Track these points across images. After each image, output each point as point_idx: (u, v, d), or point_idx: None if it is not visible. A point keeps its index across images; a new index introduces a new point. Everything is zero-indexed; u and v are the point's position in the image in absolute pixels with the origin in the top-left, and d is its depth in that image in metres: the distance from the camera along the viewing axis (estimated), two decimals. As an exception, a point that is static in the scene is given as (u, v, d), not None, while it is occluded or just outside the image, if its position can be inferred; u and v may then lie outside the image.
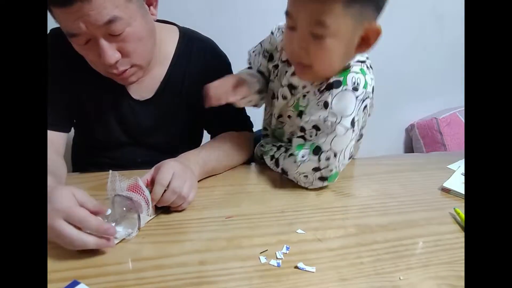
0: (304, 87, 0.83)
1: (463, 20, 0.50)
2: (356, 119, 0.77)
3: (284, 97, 0.87)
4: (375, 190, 0.88)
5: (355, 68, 0.78)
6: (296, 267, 0.63)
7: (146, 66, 0.83)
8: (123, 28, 0.72)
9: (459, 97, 1.23)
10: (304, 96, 0.84)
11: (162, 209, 0.74)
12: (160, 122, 0.94)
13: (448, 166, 1.01)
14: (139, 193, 0.67)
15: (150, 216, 0.71)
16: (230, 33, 1.45)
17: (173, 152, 0.81)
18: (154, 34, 0.83)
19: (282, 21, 0.85)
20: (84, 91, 0.89)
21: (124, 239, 0.66)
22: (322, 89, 0.79)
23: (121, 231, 0.65)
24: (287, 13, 0.71)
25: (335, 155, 0.79)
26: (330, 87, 0.77)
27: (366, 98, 0.78)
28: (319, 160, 0.80)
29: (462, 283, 0.63)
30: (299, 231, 0.72)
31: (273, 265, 0.63)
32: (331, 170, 0.81)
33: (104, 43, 0.72)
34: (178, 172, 0.71)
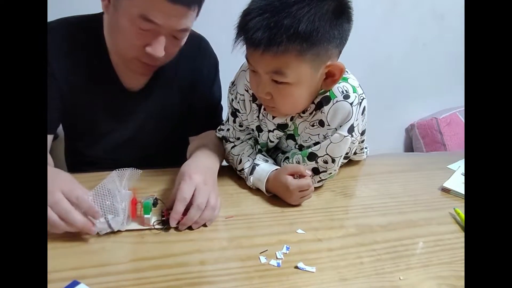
0: (292, 119, 0.81)
1: (463, 19, 0.50)
2: (355, 124, 0.76)
3: (278, 138, 0.86)
4: (375, 190, 0.88)
5: None
6: (296, 267, 0.63)
7: None
8: (184, 37, 0.80)
9: (459, 97, 1.23)
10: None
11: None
12: (151, 115, 0.94)
13: (448, 166, 1.01)
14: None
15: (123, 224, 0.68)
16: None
17: (164, 149, 0.80)
18: None
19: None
20: (71, 82, 0.87)
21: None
22: (310, 111, 0.79)
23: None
24: (247, 59, 0.72)
25: (333, 161, 0.79)
26: (319, 106, 0.76)
27: (362, 100, 0.77)
28: (316, 163, 0.80)
29: (462, 283, 0.62)
30: (299, 231, 0.72)
31: (273, 265, 0.63)
32: (329, 174, 0.82)
33: (163, 39, 0.76)
34: (199, 186, 0.70)
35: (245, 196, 0.82)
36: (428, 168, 1.01)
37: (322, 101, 0.76)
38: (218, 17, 1.53)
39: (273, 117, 0.82)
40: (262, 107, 0.83)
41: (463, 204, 0.83)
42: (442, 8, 1.83)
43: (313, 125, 0.79)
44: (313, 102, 0.78)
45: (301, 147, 0.83)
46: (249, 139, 0.92)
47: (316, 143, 0.79)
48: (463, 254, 0.65)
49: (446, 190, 0.90)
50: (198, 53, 0.95)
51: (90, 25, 0.85)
